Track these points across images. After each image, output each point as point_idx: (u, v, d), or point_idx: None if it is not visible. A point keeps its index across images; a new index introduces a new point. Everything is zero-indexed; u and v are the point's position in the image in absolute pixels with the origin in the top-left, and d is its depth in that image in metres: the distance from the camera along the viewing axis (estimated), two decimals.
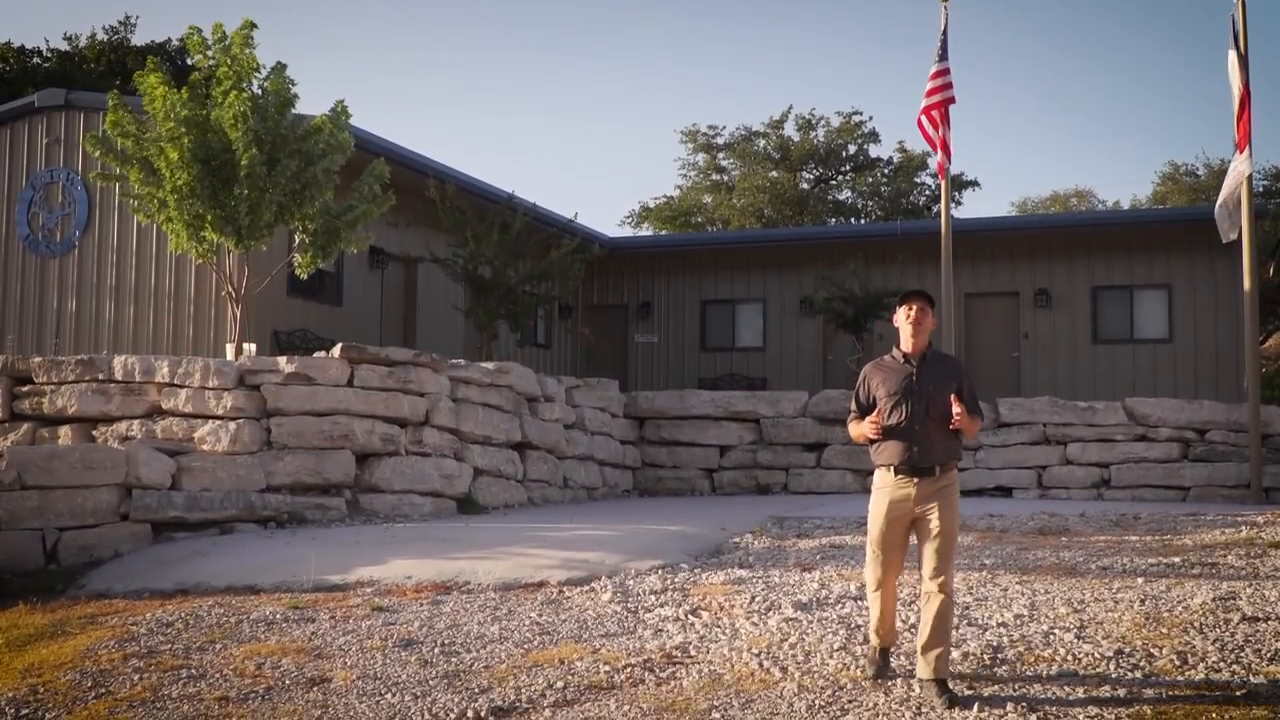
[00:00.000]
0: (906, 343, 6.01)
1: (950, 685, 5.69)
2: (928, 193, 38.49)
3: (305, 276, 15.02)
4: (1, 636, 7.60)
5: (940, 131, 16.99)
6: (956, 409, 5.73)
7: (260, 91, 13.95)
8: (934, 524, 5.78)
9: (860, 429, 6.02)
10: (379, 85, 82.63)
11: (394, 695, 6.03)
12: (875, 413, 5.94)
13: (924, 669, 5.69)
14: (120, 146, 13.83)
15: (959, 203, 38.93)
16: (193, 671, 6.53)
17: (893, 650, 6.25)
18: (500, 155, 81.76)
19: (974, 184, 39.50)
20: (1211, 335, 20.89)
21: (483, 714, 5.67)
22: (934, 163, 17.70)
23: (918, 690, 5.72)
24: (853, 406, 6.18)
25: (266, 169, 13.45)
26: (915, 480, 5.81)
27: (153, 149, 13.63)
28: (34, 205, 18.06)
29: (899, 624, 6.72)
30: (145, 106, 13.85)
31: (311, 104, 14.33)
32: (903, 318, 6.00)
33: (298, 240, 14.73)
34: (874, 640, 6.18)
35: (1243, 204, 15.89)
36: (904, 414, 5.84)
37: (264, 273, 15.04)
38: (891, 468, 5.87)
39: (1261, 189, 26.02)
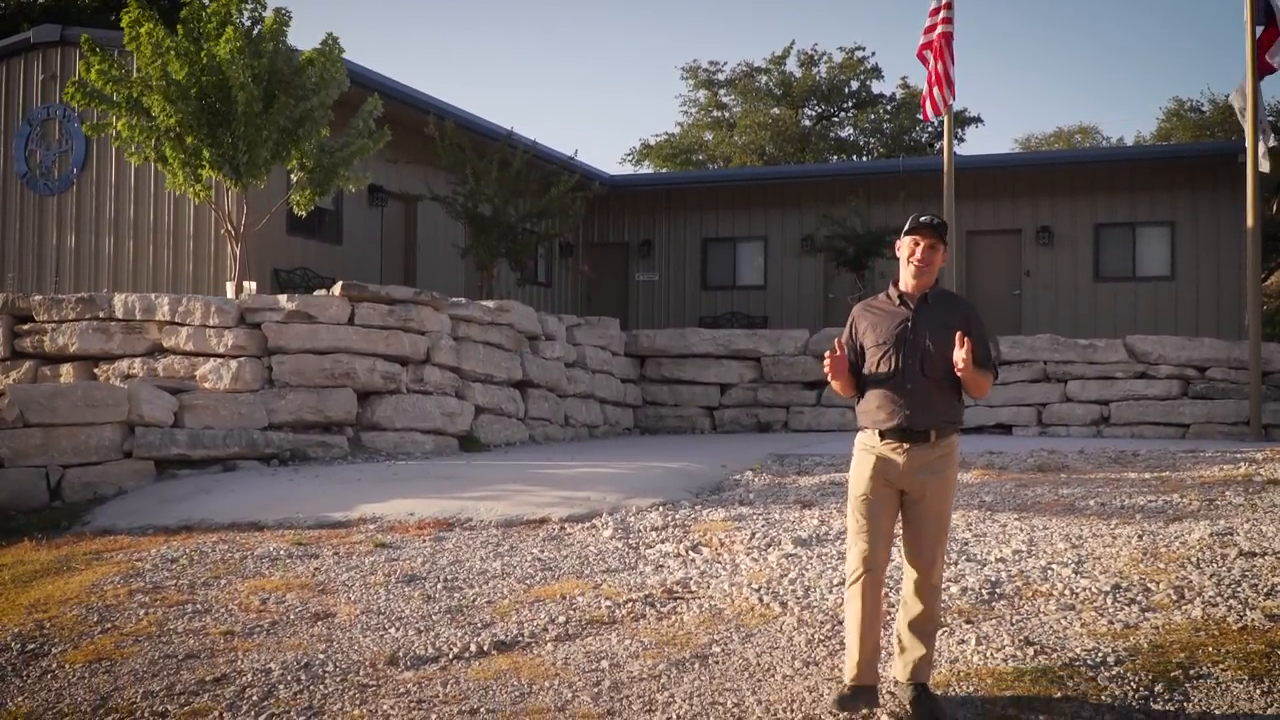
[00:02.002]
0: (907, 281, 4.86)
1: (934, 692, 4.77)
2: (930, 129, 38.20)
3: (304, 214, 14.96)
4: (7, 573, 7.67)
5: (940, 65, 16.77)
6: (961, 352, 4.58)
7: (250, 24, 13.77)
8: (923, 505, 4.75)
9: (837, 380, 4.90)
10: (375, 20, 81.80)
11: (397, 630, 6.09)
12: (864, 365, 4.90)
13: (900, 668, 4.78)
14: (105, 91, 13.62)
15: (962, 140, 38.69)
16: (198, 607, 6.59)
17: (880, 687, 4.83)
18: (499, 92, 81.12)
19: (977, 121, 39.28)
20: (1214, 273, 20.84)
21: (485, 648, 5.73)
22: (926, 102, 17.28)
23: (892, 695, 4.81)
24: (835, 344, 4.98)
25: (263, 106, 13.34)
26: (905, 446, 4.71)
27: (139, 88, 13.46)
28: (31, 142, 17.94)
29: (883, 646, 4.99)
30: (128, 45, 13.67)
31: (306, 37, 14.14)
32: (906, 253, 4.84)
33: (295, 178, 14.64)
34: (848, 670, 4.78)
35: (1247, 140, 15.79)
36: (894, 366, 4.75)
37: (263, 211, 14.97)
38: (877, 431, 4.78)
39: (1265, 125, 25.78)
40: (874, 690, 4.70)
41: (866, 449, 4.84)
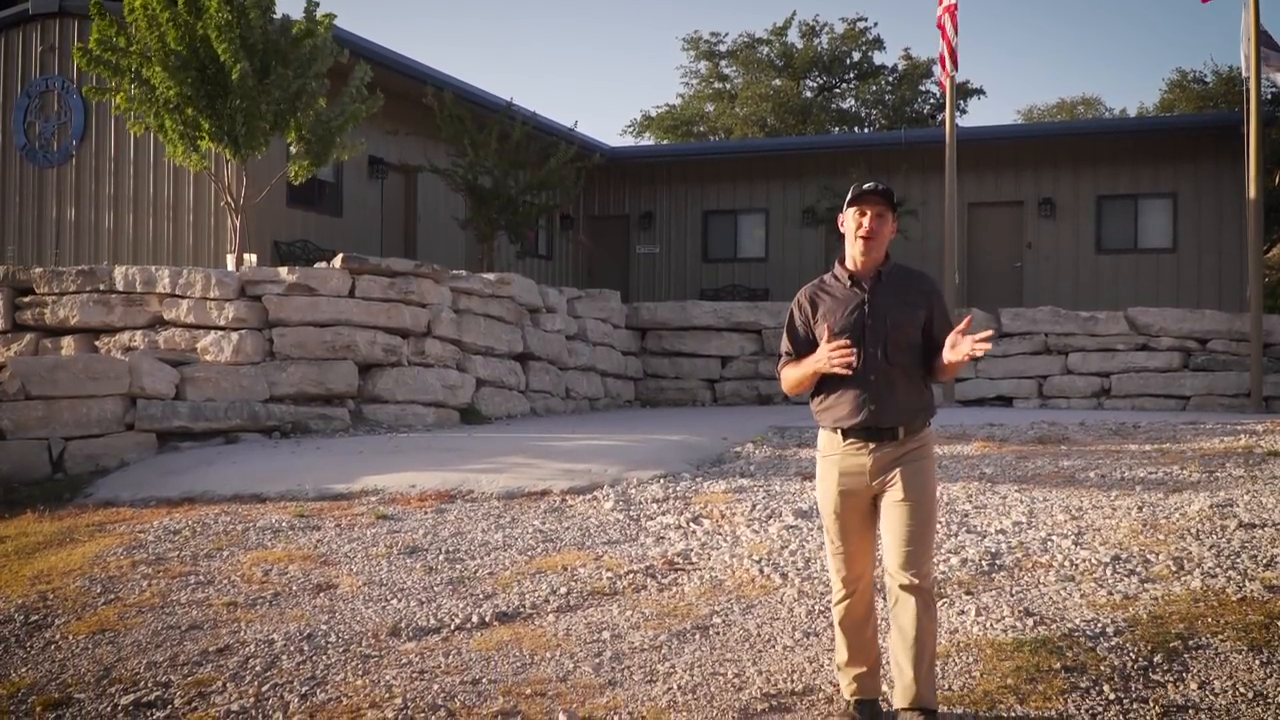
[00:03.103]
0: (855, 259, 4.29)
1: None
2: (932, 101, 38.05)
3: (300, 183, 14.92)
4: (10, 544, 7.69)
5: (948, 36, 16.70)
6: (965, 343, 4.02)
7: None
8: (897, 494, 4.17)
9: (805, 368, 4.26)
10: None
11: (399, 601, 6.11)
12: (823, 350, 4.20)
13: (901, 696, 4.19)
14: (109, 59, 13.57)
15: (964, 111, 38.51)
16: (201, 578, 6.62)
17: (882, 701, 4.43)
18: (498, 63, 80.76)
19: (979, 92, 39.01)
20: (1215, 245, 20.80)
21: (487, 619, 5.75)
22: (937, 71, 17.17)
23: None
24: (785, 347, 4.43)
25: (258, 78, 13.27)
26: (870, 446, 4.19)
27: (138, 59, 13.41)
28: (30, 114, 17.88)
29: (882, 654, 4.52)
30: (127, 17, 13.61)
31: (300, 7, 13.92)
32: (852, 226, 4.27)
33: (293, 150, 14.60)
34: (844, 687, 4.43)
35: (1251, 105, 15.74)
36: (855, 356, 4.14)
37: (263, 183, 14.93)
38: (839, 430, 4.25)
39: (1270, 96, 25.68)
40: (876, 705, 4.35)
41: (829, 455, 4.30)
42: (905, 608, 4.14)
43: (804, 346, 4.32)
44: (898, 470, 4.20)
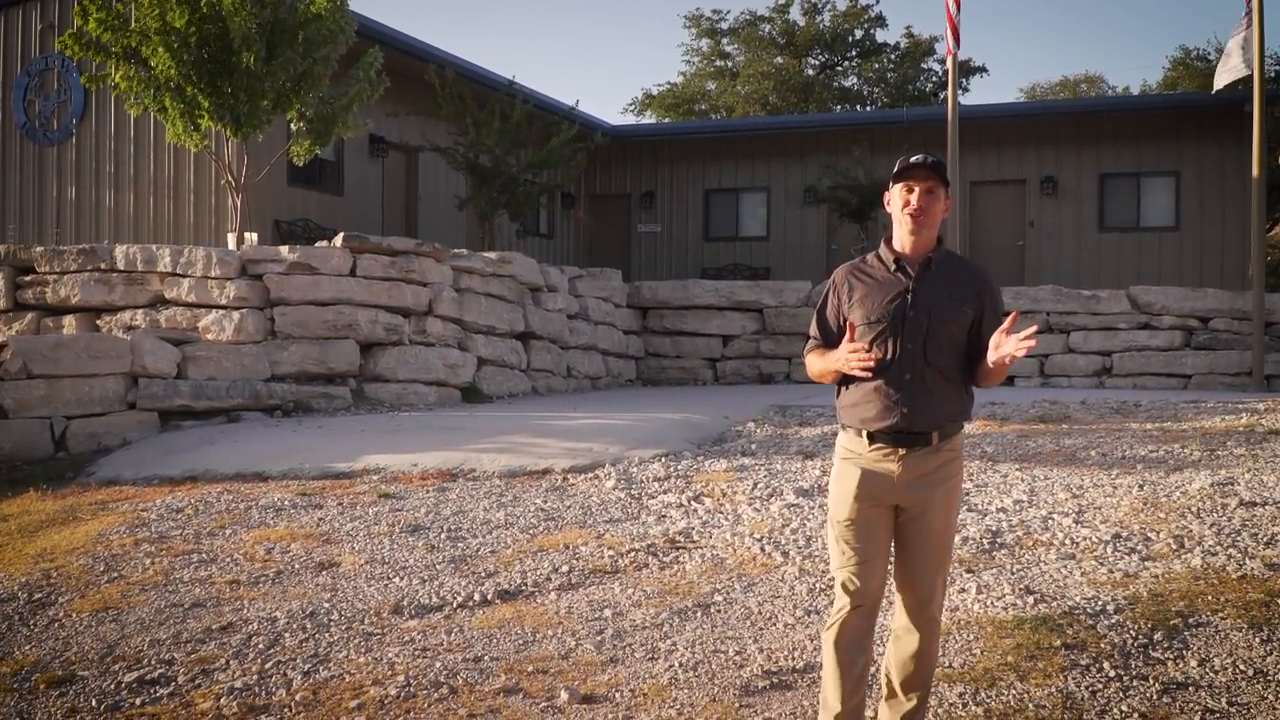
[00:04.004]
0: (904, 240, 3.79)
1: None
2: (934, 79, 37.91)
3: (303, 163, 14.89)
4: (13, 523, 7.71)
5: (951, 14, 16.62)
6: (1012, 342, 3.51)
7: None
8: (922, 522, 3.74)
9: (827, 363, 3.81)
10: None
11: (402, 579, 6.13)
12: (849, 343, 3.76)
13: (888, 715, 3.88)
14: (104, 40, 13.47)
15: (966, 89, 38.36)
16: (203, 556, 6.64)
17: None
18: (499, 41, 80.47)
19: (982, 70, 38.88)
20: (1218, 223, 20.74)
21: (489, 597, 5.76)
22: (942, 48, 17.07)
23: None
24: (813, 332, 3.96)
25: (266, 58, 13.22)
26: (900, 453, 3.70)
27: (138, 38, 13.33)
28: (30, 93, 17.82)
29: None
30: None
31: None
32: (899, 203, 3.78)
33: (294, 129, 14.56)
34: None
35: (1255, 84, 15.69)
36: (890, 350, 3.71)
37: (263, 162, 14.90)
38: (865, 432, 3.75)
39: (1274, 74, 25.60)
40: None
41: (850, 457, 3.80)
42: (911, 631, 3.78)
43: (834, 334, 3.85)
44: (928, 491, 3.72)
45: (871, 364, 3.66)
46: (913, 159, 3.76)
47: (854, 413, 3.78)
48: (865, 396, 3.74)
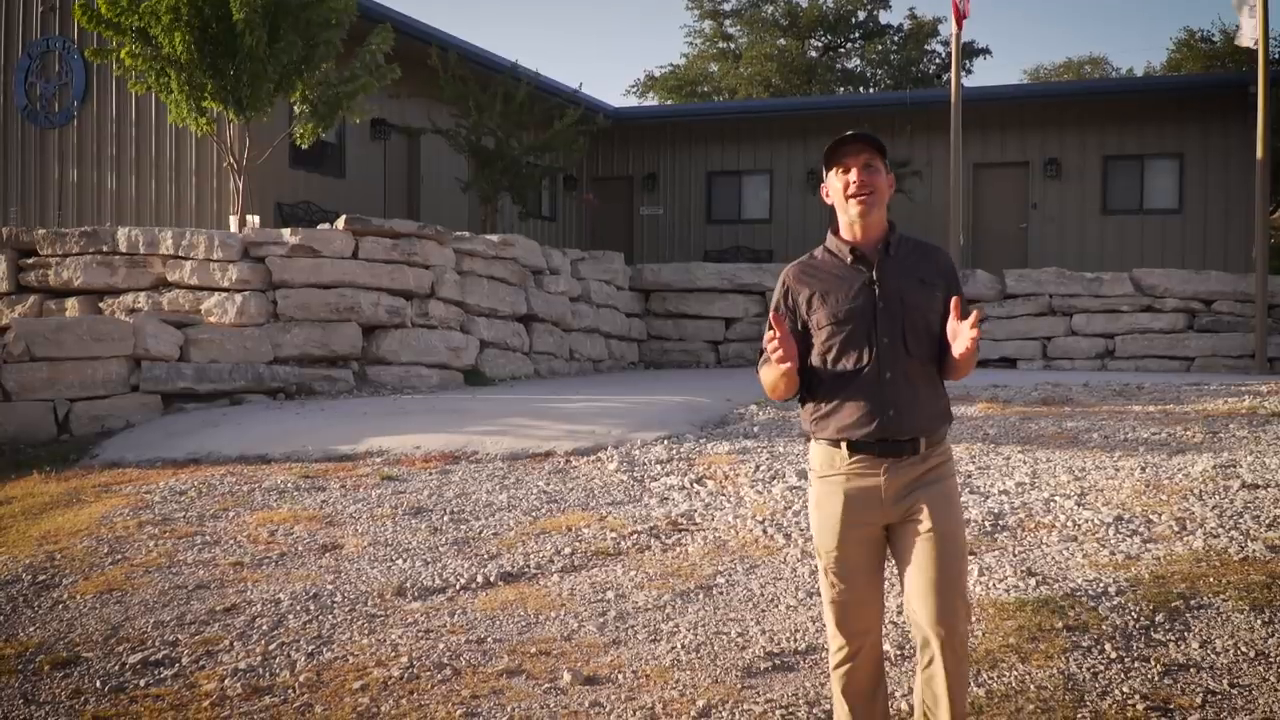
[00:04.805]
0: (853, 226, 3.38)
1: None
2: (938, 61, 37.82)
3: (305, 146, 14.86)
4: (17, 505, 7.73)
5: None
6: (968, 325, 3.18)
7: None
8: (924, 527, 3.29)
9: (769, 374, 3.37)
10: None
11: (405, 561, 6.14)
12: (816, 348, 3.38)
13: None
14: (111, 18, 13.45)
15: (969, 71, 38.21)
16: (207, 538, 6.65)
17: None
18: (502, 23, 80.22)
19: (985, 52, 38.75)
20: (1222, 206, 20.68)
21: (492, 579, 5.78)
22: (946, 29, 16.97)
23: None
24: (765, 343, 3.35)
25: (268, 43, 13.17)
26: (884, 464, 3.30)
27: (149, 17, 13.31)
28: (31, 75, 17.78)
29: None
30: None
31: None
32: (838, 187, 3.37)
33: (297, 111, 14.53)
34: None
35: (1260, 65, 15.65)
36: (865, 353, 3.31)
37: (265, 144, 14.86)
38: (843, 443, 3.33)
39: (1278, 55, 25.49)
40: None
41: (828, 476, 3.38)
42: (940, 665, 3.26)
43: (791, 343, 3.31)
44: (920, 496, 3.31)
45: (783, 352, 3.22)
46: (840, 136, 3.39)
47: (828, 423, 3.35)
48: (841, 403, 3.33)
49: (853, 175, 3.33)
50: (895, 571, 3.44)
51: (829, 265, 3.42)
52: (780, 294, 3.45)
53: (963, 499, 6.98)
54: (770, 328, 3.27)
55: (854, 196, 3.33)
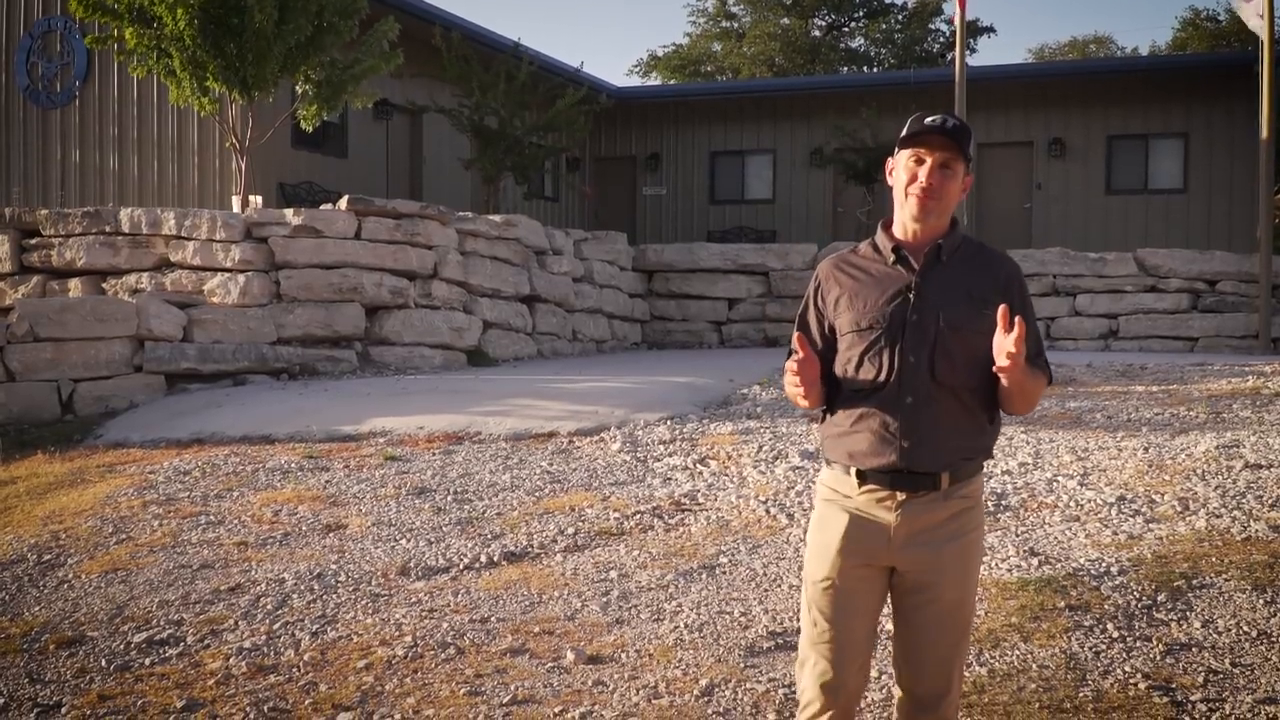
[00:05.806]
0: (907, 225, 2.93)
1: None
2: (942, 40, 37.69)
3: (310, 129, 14.83)
4: (22, 485, 7.75)
5: None
6: (1009, 339, 2.67)
7: None
8: (933, 593, 2.89)
9: (792, 389, 2.92)
10: None
11: (408, 541, 6.16)
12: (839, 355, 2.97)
13: None
14: (107, 3, 13.38)
15: (974, 50, 38.13)
16: (211, 518, 6.67)
17: None
18: (504, 2, 79.92)
19: (990, 30, 38.65)
20: (1226, 185, 20.63)
21: (495, 559, 5.79)
22: (950, 8, 16.89)
23: None
24: (793, 344, 2.93)
25: (276, 25, 13.11)
26: (898, 498, 2.86)
27: None
28: (33, 55, 17.74)
29: None
30: None
31: None
32: (904, 176, 2.90)
33: (301, 92, 14.49)
34: None
35: (1265, 45, 15.58)
36: (886, 366, 2.87)
37: (268, 124, 14.83)
38: (852, 470, 2.91)
39: None
40: None
41: (834, 499, 2.97)
42: None
43: (818, 345, 2.99)
44: (934, 551, 2.86)
45: (798, 381, 2.86)
46: (928, 120, 2.88)
47: (840, 445, 2.94)
48: (855, 424, 2.90)
49: (924, 171, 2.86)
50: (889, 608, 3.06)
51: (868, 263, 2.99)
52: (812, 289, 3.08)
53: None
54: (798, 322, 3.04)
55: (920, 196, 2.87)
